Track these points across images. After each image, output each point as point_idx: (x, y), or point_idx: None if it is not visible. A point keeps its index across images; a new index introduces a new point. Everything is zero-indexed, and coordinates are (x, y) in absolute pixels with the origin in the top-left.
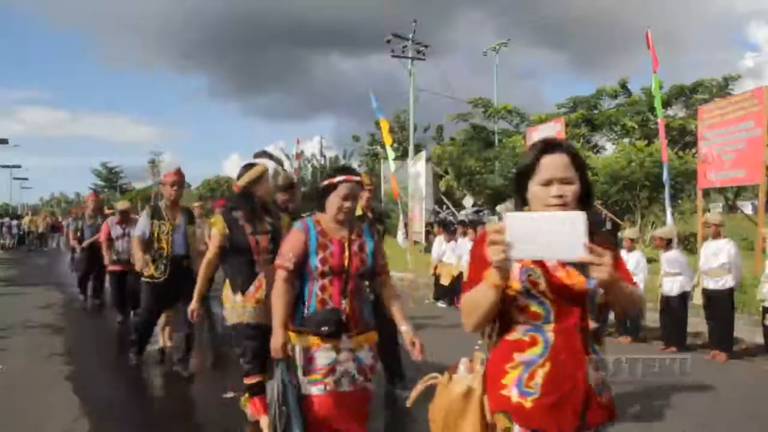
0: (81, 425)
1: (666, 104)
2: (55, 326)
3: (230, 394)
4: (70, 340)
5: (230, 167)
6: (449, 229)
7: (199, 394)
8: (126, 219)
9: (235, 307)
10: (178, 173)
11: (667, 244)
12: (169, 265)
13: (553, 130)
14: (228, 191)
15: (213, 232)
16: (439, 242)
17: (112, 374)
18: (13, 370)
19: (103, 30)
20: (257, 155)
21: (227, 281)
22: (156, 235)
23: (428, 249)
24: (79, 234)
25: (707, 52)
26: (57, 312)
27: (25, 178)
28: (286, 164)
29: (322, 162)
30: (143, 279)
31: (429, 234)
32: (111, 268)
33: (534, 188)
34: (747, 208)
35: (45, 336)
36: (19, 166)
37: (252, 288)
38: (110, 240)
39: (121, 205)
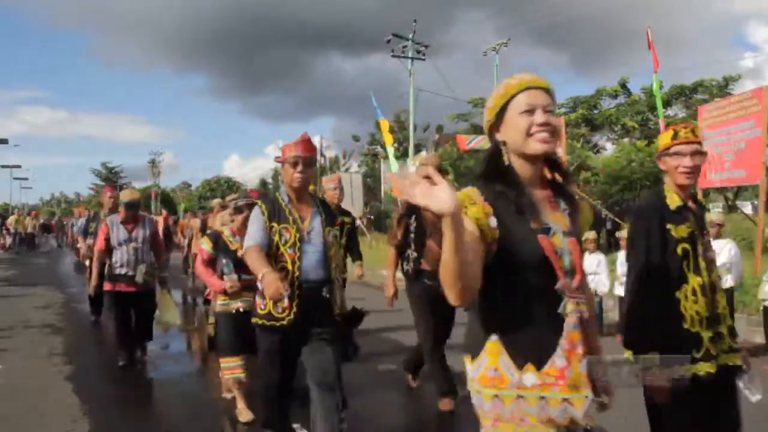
0: (81, 425)
1: (666, 104)
2: (55, 326)
3: (230, 394)
4: (70, 340)
5: (230, 167)
6: None
7: (199, 394)
8: (135, 217)
9: (526, 399)
10: (306, 143)
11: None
12: (299, 299)
13: None
14: (230, 190)
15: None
16: None
17: (112, 374)
18: (13, 370)
19: (103, 30)
20: None
21: (490, 341)
22: (272, 247)
23: None
24: (90, 237)
25: (707, 53)
26: (57, 312)
27: (25, 178)
28: None
29: (322, 162)
30: (254, 321)
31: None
32: (109, 287)
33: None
34: (747, 208)
35: (45, 336)
36: (19, 166)
37: (558, 359)
38: (107, 247)
39: (128, 194)
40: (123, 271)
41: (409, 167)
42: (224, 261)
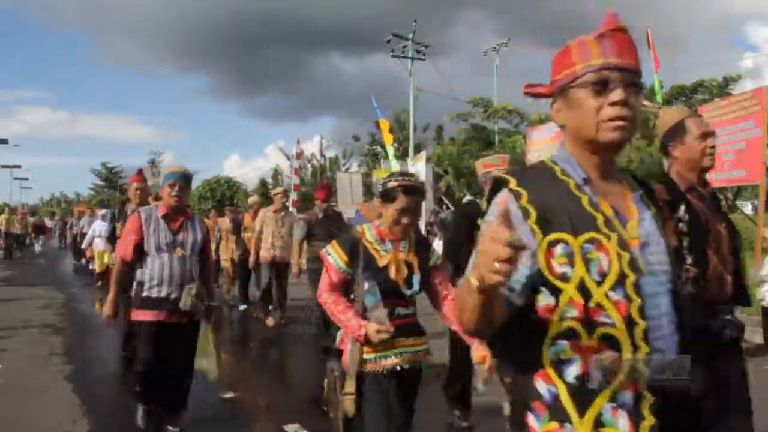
0: (81, 425)
1: (666, 104)
2: (55, 326)
3: (230, 394)
4: (70, 340)
5: (230, 167)
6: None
7: (199, 394)
8: (182, 208)
9: None
10: (623, 36)
11: None
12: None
13: (553, 130)
14: (230, 190)
15: None
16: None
17: (112, 374)
18: (13, 370)
19: (103, 30)
20: None
21: None
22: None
23: None
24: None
25: (707, 53)
26: (57, 312)
27: (25, 178)
28: (286, 164)
29: (322, 162)
30: None
31: (429, 234)
32: (143, 316)
33: None
34: (747, 208)
35: (45, 336)
36: (19, 166)
37: None
38: (138, 254)
39: (175, 167)
40: (164, 292)
41: (409, 168)
42: (366, 286)
